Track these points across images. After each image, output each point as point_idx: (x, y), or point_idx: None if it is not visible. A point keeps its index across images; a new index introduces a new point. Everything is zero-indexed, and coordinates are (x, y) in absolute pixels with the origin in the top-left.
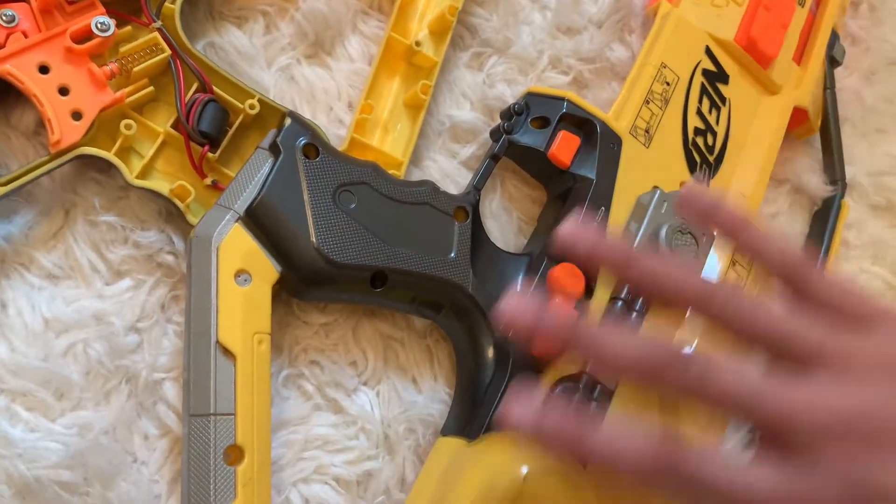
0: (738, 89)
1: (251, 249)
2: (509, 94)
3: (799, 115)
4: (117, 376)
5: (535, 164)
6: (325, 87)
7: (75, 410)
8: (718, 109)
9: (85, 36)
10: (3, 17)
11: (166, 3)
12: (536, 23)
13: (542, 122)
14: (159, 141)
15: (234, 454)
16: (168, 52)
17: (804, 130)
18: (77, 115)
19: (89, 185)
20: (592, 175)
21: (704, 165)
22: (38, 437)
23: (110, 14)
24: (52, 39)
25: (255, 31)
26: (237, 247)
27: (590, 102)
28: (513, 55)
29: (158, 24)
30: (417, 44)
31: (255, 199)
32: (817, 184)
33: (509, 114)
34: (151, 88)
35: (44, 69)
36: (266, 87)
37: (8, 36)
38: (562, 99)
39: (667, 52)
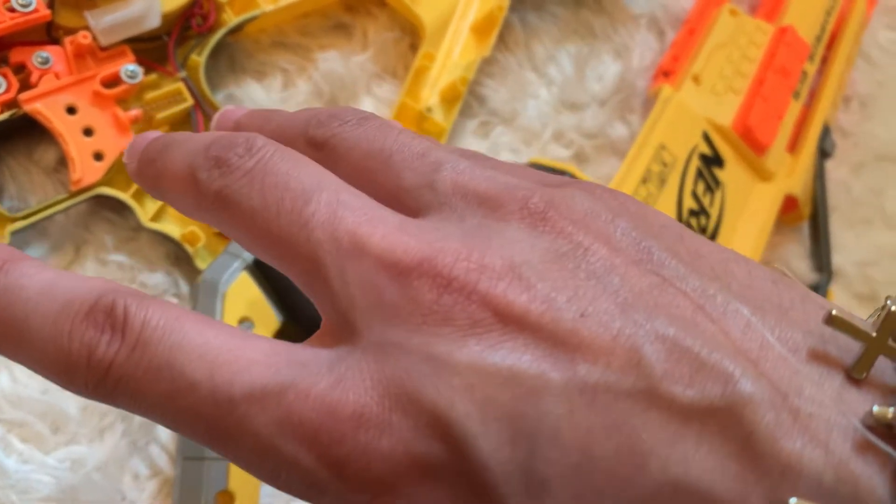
0: (732, 174)
1: (256, 298)
2: None
3: (789, 203)
4: (113, 413)
5: None
6: None
7: (69, 445)
8: (713, 192)
9: (113, 81)
10: (38, 59)
11: (192, 56)
12: (542, 97)
13: None
14: None
15: (224, 500)
16: (190, 101)
17: (793, 217)
18: (99, 156)
19: (102, 224)
20: None
21: None
22: (30, 469)
23: (138, 62)
24: (82, 83)
25: (274, 87)
26: (243, 294)
27: (590, 176)
28: (518, 126)
29: (183, 74)
30: (428, 109)
31: None
32: (804, 270)
33: None
34: None
35: (71, 110)
36: None
37: (41, 76)
38: (563, 172)
39: (666, 134)
